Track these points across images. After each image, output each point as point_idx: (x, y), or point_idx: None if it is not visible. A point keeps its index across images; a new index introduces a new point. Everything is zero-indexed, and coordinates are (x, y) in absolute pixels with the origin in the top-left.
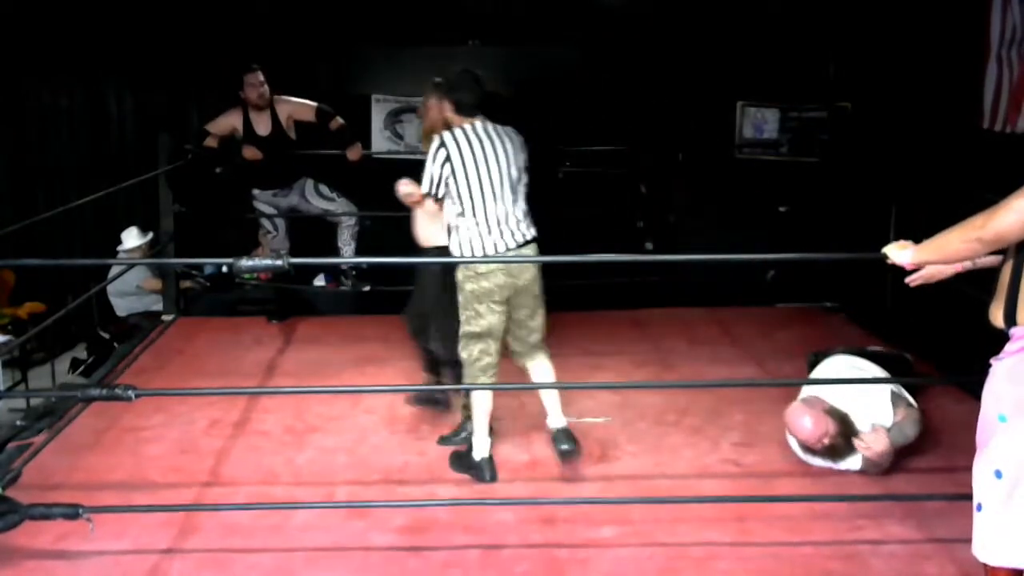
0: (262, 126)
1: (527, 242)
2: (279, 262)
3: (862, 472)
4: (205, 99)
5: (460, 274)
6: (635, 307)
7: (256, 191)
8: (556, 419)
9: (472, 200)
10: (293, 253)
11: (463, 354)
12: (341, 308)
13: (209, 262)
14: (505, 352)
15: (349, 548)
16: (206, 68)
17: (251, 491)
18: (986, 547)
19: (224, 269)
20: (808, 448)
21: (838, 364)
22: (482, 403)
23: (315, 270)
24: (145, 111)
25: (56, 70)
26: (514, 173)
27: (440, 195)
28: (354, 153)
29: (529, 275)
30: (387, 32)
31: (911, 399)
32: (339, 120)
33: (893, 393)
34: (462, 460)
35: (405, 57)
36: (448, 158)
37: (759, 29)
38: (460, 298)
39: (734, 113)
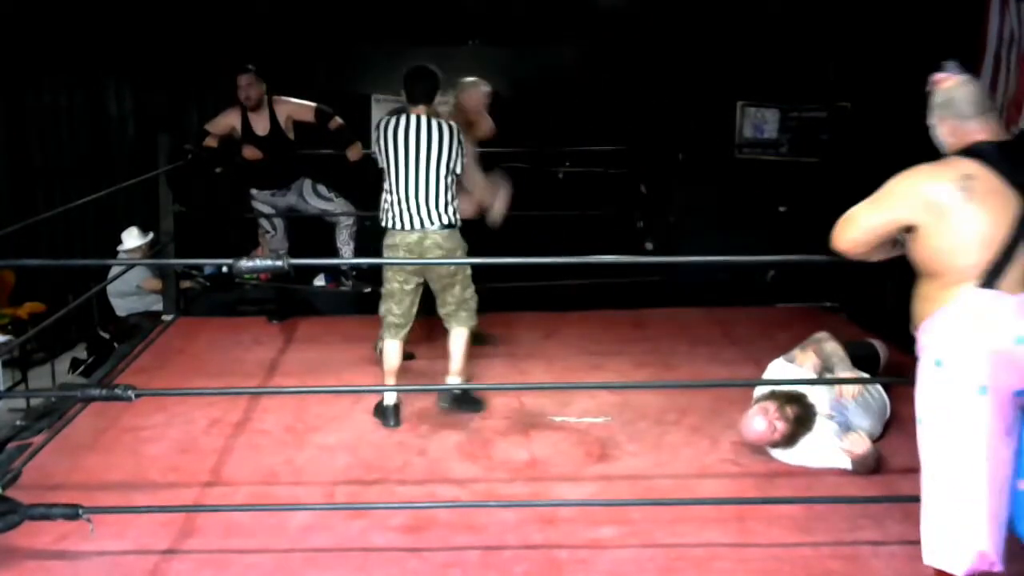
0: (260, 126)
1: (439, 228)
2: (279, 262)
3: (854, 472)
4: (205, 99)
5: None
6: (635, 307)
7: (254, 191)
8: (452, 379)
9: (395, 177)
10: (293, 253)
11: (380, 310)
12: (341, 308)
13: (209, 262)
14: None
15: (349, 548)
16: (206, 68)
17: (251, 491)
18: (927, 545)
19: (224, 269)
20: (780, 442)
21: (777, 367)
22: (387, 359)
23: (315, 270)
24: (145, 111)
25: (56, 70)
26: (442, 165)
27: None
28: (354, 153)
29: (432, 256)
30: (387, 32)
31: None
32: (338, 120)
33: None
34: (376, 406)
35: (405, 57)
36: (380, 137)
37: (759, 29)
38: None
39: (734, 113)
